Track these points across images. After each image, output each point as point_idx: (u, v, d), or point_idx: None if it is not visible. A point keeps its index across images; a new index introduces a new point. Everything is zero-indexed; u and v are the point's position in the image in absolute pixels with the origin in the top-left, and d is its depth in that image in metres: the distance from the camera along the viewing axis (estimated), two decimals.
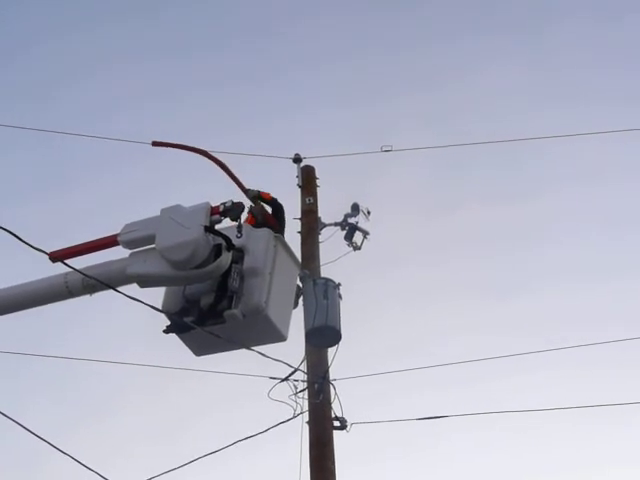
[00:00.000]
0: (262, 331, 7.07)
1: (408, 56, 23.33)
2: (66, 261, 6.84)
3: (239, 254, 6.99)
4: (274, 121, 22.08)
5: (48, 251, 6.75)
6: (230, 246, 6.78)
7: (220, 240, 6.77)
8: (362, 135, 18.69)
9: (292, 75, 23.67)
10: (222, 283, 6.91)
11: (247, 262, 7.03)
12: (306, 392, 10.35)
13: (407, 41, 23.83)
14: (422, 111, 22.32)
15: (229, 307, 6.89)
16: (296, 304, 7.61)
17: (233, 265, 6.89)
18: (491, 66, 23.35)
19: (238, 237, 6.84)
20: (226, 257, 6.79)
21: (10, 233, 5.93)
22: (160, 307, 7.21)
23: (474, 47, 23.10)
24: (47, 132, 14.43)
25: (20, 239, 6.01)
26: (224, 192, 7.18)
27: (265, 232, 7.30)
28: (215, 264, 6.73)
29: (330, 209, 12.50)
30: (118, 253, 7.15)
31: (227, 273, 6.87)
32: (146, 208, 7.33)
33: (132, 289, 7.02)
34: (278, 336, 7.20)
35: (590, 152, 18.97)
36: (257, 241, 7.15)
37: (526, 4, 23.51)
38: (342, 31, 23.94)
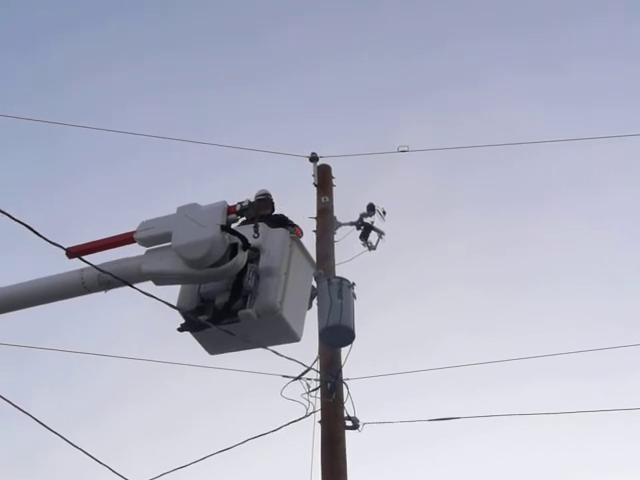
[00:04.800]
0: (276, 331, 7.07)
1: (422, 57, 23.41)
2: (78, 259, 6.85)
3: (255, 253, 6.99)
4: (291, 119, 22.15)
5: (64, 247, 6.77)
6: (246, 245, 6.79)
7: (236, 239, 6.78)
8: (378, 135, 18.70)
9: (309, 73, 23.73)
10: (237, 282, 6.91)
11: (263, 262, 7.02)
12: (319, 391, 10.36)
13: (420, 42, 23.91)
14: (436, 111, 22.38)
15: (244, 306, 6.90)
16: (310, 305, 7.60)
17: (249, 264, 6.89)
18: (503, 67, 23.40)
19: (255, 237, 6.85)
20: (242, 256, 6.79)
21: (28, 228, 5.94)
22: (175, 305, 7.22)
23: (486, 48, 23.15)
24: (62, 125, 14.43)
25: (37, 234, 6.02)
26: (241, 191, 7.18)
27: (281, 232, 7.30)
28: (231, 263, 6.73)
29: (346, 208, 12.51)
30: (134, 251, 7.17)
31: (243, 272, 6.87)
32: (163, 205, 7.35)
33: (146, 286, 7.04)
34: (292, 336, 7.20)
35: (601, 155, 18.96)
36: (273, 241, 7.15)
37: (535, 6, 23.54)
38: (359, 31, 23.98)
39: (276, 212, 10.50)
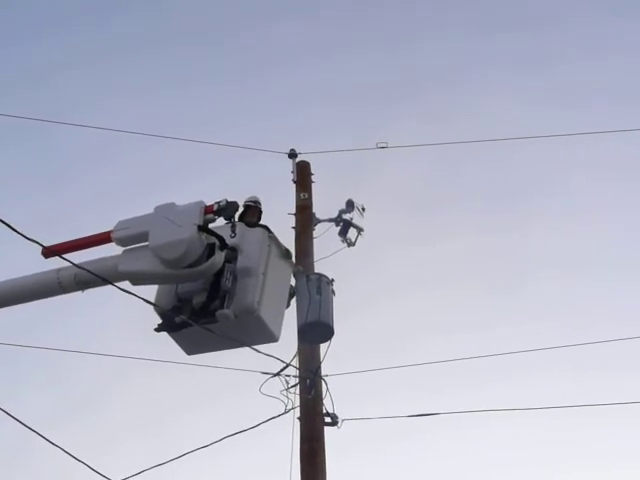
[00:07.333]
0: (254, 331, 7.05)
1: (405, 53, 23.40)
2: (57, 257, 6.82)
3: (233, 253, 6.96)
4: (270, 116, 22.09)
5: (43, 244, 6.74)
6: (223, 245, 6.75)
7: (213, 239, 6.75)
8: (357, 131, 18.72)
9: (289, 70, 23.71)
10: (215, 282, 6.88)
11: (240, 262, 6.99)
12: (298, 387, 10.38)
13: (404, 38, 23.89)
14: (417, 108, 22.41)
15: (221, 307, 6.86)
16: (289, 304, 7.60)
17: (226, 264, 6.86)
18: (487, 64, 23.43)
19: (232, 237, 6.83)
20: (219, 256, 6.76)
21: (4, 223, 5.91)
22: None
23: (471, 46, 23.18)
24: (40, 122, 14.38)
25: (14, 229, 5.98)
26: (219, 191, 7.16)
27: (259, 232, 7.28)
28: (208, 263, 6.69)
29: (325, 205, 12.55)
30: (112, 250, 7.15)
31: (220, 272, 6.84)
32: (142, 203, 7.32)
33: (125, 284, 7.01)
34: (270, 336, 7.18)
35: (585, 151, 19.04)
36: (251, 241, 7.12)
37: (524, 3, 23.60)
38: (339, 27, 23.98)
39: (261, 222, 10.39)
